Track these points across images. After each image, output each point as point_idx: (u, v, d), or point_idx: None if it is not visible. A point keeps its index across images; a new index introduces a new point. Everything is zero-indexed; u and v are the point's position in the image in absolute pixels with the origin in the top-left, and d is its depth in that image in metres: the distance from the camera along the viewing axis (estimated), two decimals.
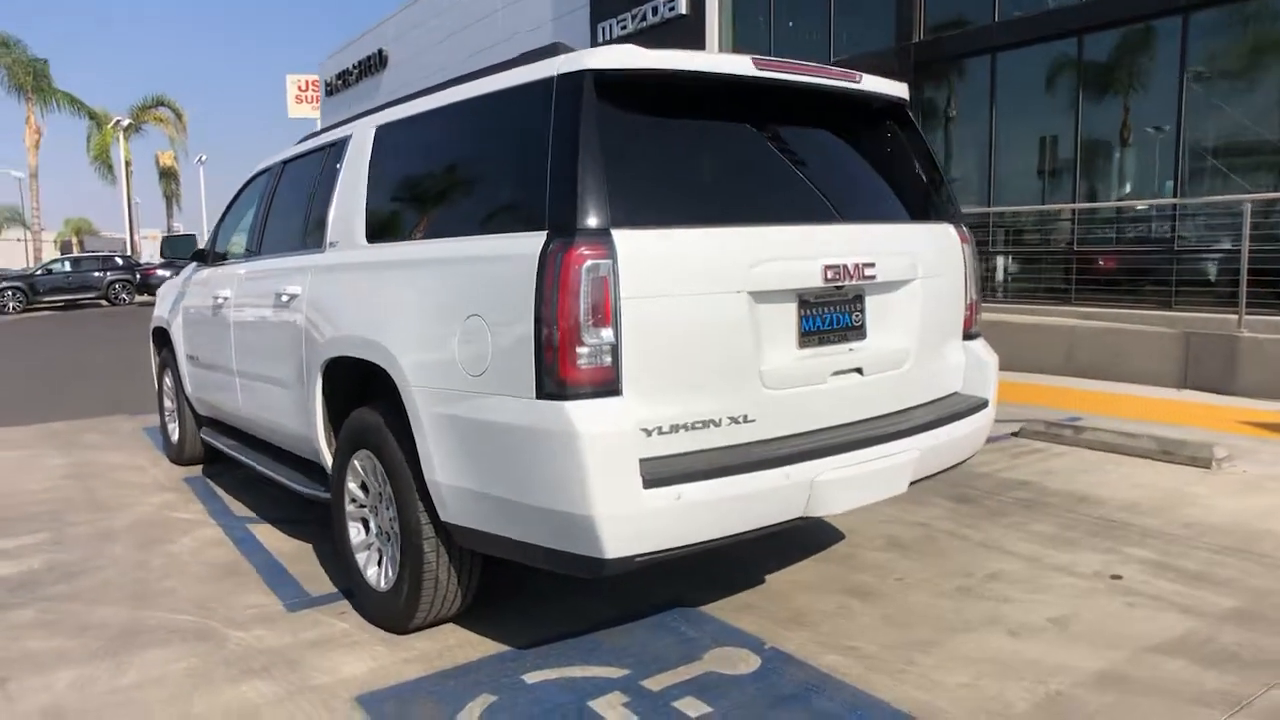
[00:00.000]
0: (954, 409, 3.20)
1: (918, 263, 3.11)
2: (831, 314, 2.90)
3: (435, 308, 2.71)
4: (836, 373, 2.87)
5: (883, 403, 3.05)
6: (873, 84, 3.17)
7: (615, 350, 2.36)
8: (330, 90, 35.45)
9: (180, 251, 5.47)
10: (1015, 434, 6.12)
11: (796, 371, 2.77)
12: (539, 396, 2.33)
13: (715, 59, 2.74)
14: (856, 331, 2.98)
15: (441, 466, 2.68)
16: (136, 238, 39.40)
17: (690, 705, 2.60)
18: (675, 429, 2.50)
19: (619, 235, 2.38)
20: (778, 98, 2.93)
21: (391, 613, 3.08)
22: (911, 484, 3.01)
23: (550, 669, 2.86)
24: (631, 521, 2.35)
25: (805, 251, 2.76)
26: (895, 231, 3.16)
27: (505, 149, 2.75)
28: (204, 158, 47.43)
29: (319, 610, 3.39)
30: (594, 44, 18.23)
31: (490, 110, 2.78)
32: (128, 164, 39.00)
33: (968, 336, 3.43)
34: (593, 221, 2.35)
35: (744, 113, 2.86)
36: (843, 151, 3.25)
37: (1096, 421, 6.21)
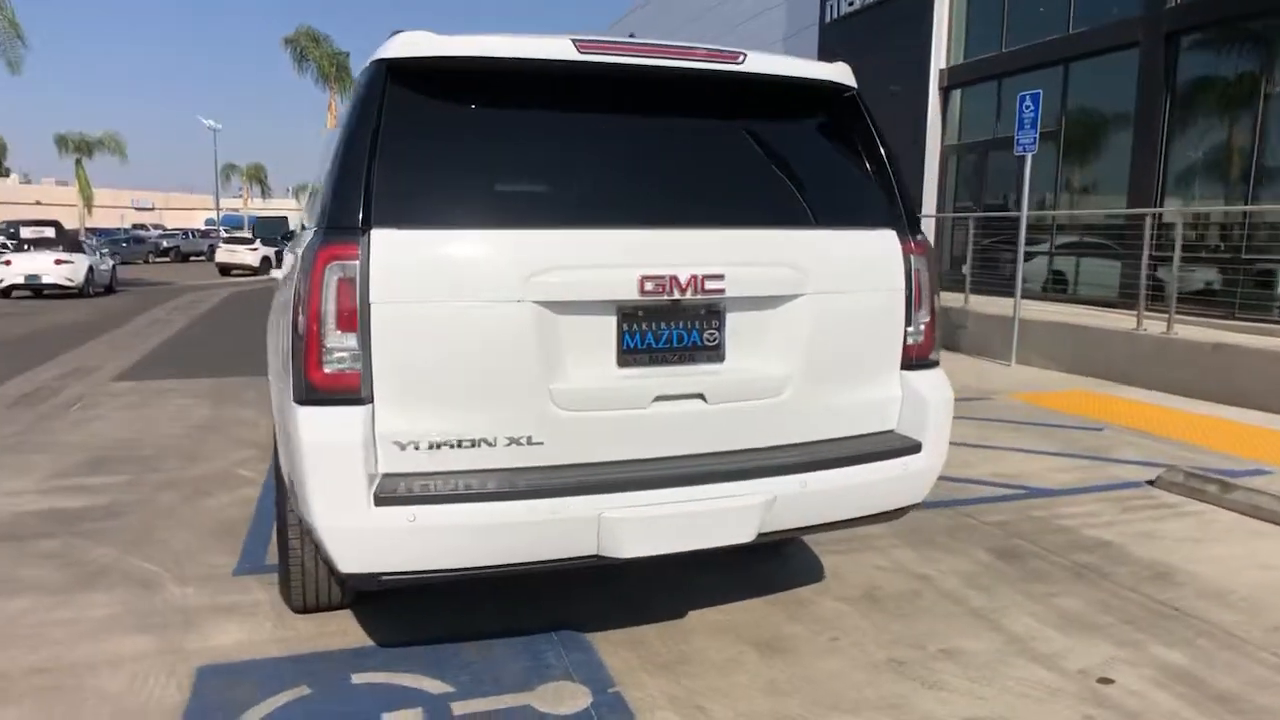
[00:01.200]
0: (856, 451, 2.70)
1: (806, 276, 2.65)
2: (670, 330, 2.54)
3: (278, 304, 2.74)
4: (663, 398, 2.51)
5: (737, 436, 2.63)
6: (774, 65, 2.70)
7: (362, 357, 2.25)
8: None
9: (272, 232, 5.95)
10: (1150, 482, 5.11)
11: (607, 393, 2.47)
12: (294, 399, 2.28)
13: (529, 42, 2.47)
14: (709, 352, 2.59)
15: (281, 461, 2.71)
16: None
17: None
18: (437, 445, 2.33)
19: (378, 236, 2.26)
20: (629, 85, 2.59)
21: (282, 592, 3.19)
22: (771, 534, 2.60)
23: (385, 672, 2.82)
24: (360, 538, 2.24)
25: (616, 259, 2.44)
26: (769, 239, 2.66)
27: (330, 143, 2.71)
28: None
29: (257, 578, 3.59)
30: (822, 23, 17.53)
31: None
32: None
33: (911, 365, 2.88)
34: (350, 220, 2.24)
35: (575, 102, 2.57)
36: (726, 146, 2.79)
37: (1263, 481, 5.02)
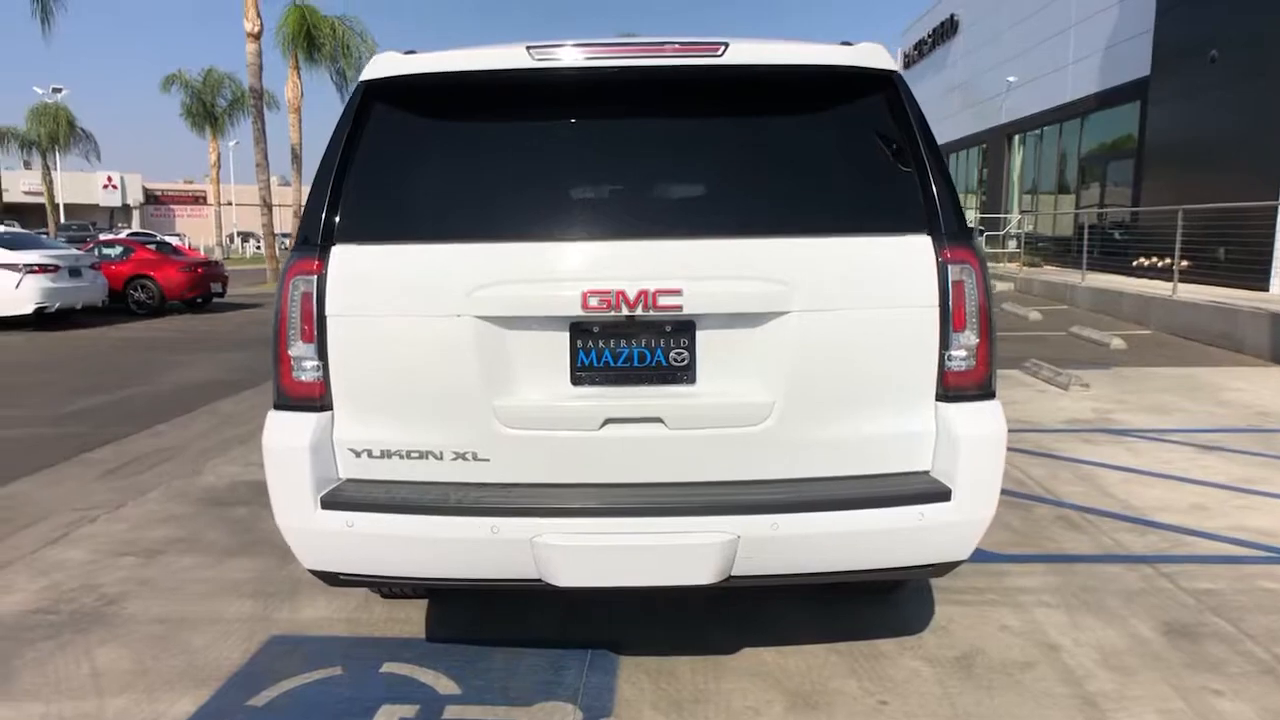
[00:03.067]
0: (853, 494, 2.29)
1: (792, 290, 2.29)
2: (630, 349, 2.32)
3: None
4: (615, 420, 2.31)
5: (705, 467, 2.34)
6: (761, 54, 2.37)
7: (322, 367, 2.33)
8: (907, 62, 35.28)
9: None
10: None
11: (555, 413, 2.32)
12: (272, 405, 2.43)
13: (484, 53, 2.37)
14: (678, 373, 2.33)
15: None
16: None
17: None
18: (388, 454, 2.35)
19: (337, 251, 2.32)
20: (590, 89, 2.40)
21: None
22: (747, 580, 2.29)
23: (413, 665, 2.93)
24: (308, 538, 2.33)
25: (560, 273, 2.28)
26: (742, 249, 2.32)
27: None
28: None
29: None
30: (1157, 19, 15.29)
31: None
32: None
33: (950, 396, 2.38)
34: (314, 237, 2.33)
35: (533, 110, 2.43)
36: (703, 149, 2.48)
37: None
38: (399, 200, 2.41)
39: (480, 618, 3.29)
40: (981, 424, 2.35)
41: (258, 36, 20.60)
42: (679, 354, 2.32)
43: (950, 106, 30.17)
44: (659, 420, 2.31)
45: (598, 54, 2.35)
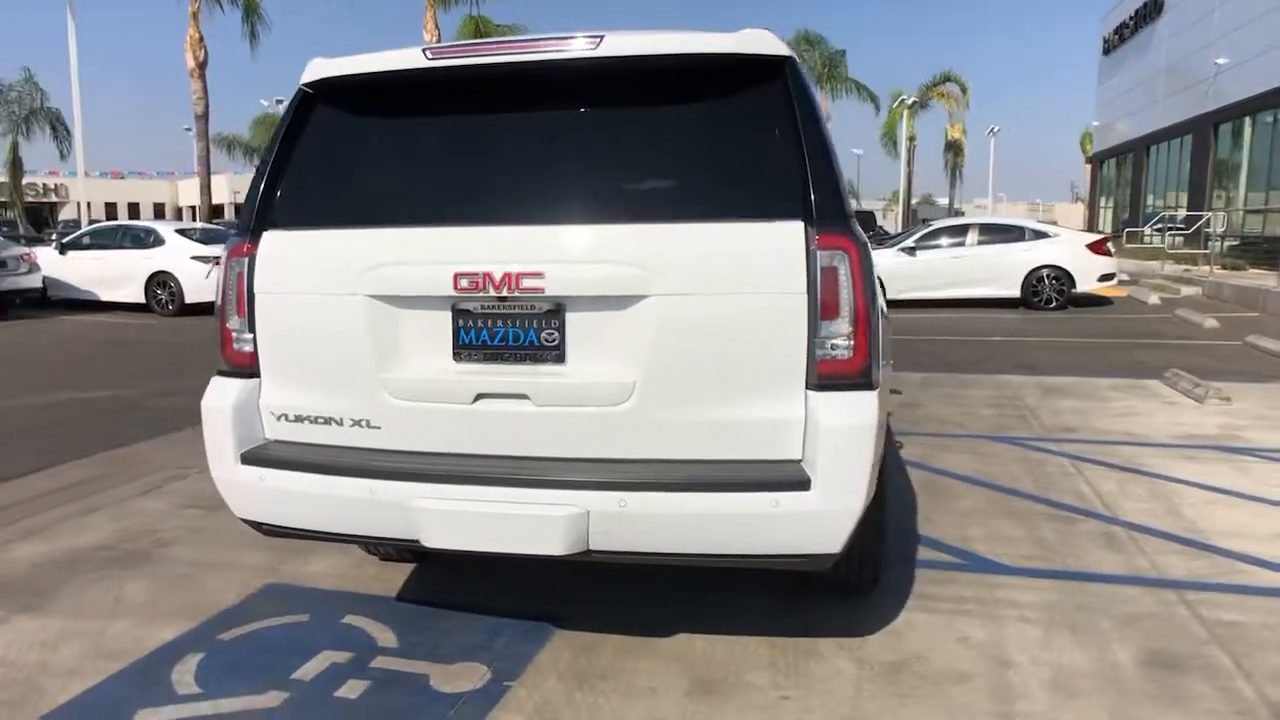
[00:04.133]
0: (703, 477, 2.28)
1: (651, 275, 2.30)
2: (506, 329, 2.42)
3: None
4: (485, 395, 2.43)
5: (566, 443, 2.41)
6: (636, 45, 2.40)
7: (252, 338, 2.60)
8: (1107, 48, 32.58)
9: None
10: None
11: (435, 386, 2.47)
12: (216, 370, 2.74)
13: (388, 56, 2.53)
14: (549, 352, 2.41)
15: None
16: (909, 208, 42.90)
17: (351, 688, 2.70)
18: (300, 419, 2.59)
19: (266, 236, 2.58)
20: (482, 85, 2.53)
21: None
22: (606, 555, 2.33)
23: (369, 619, 3.17)
24: (232, 489, 2.61)
25: (435, 256, 2.41)
26: (603, 234, 2.37)
27: None
28: (996, 129, 48.61)
29: None
30: None
31: None
32: (911, 139, 42.65)
33: (822, 385, 2.31)
34: (247, 224, 2.61)
35: (431, 106, 2.57)
36: (579, 138, 2.54)
37: None
38: (316, 189, 2.66)
39: (451, 586, 3.49)
40: (848, 414, 2.28)
41: None
42: (550, 335, 2.41)
43: (1153, 94, 27.60)
44: (525, 396, 2.42)
45: (483, 52, 2.49)
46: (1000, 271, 14.77)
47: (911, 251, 15.21)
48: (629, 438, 2.40)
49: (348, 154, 2.69)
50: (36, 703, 2.64)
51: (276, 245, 2.61)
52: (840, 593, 3.32)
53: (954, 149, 48.83)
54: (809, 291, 2.28)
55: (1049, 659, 2.89)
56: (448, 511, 2.38)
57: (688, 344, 2.34)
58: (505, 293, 2.38)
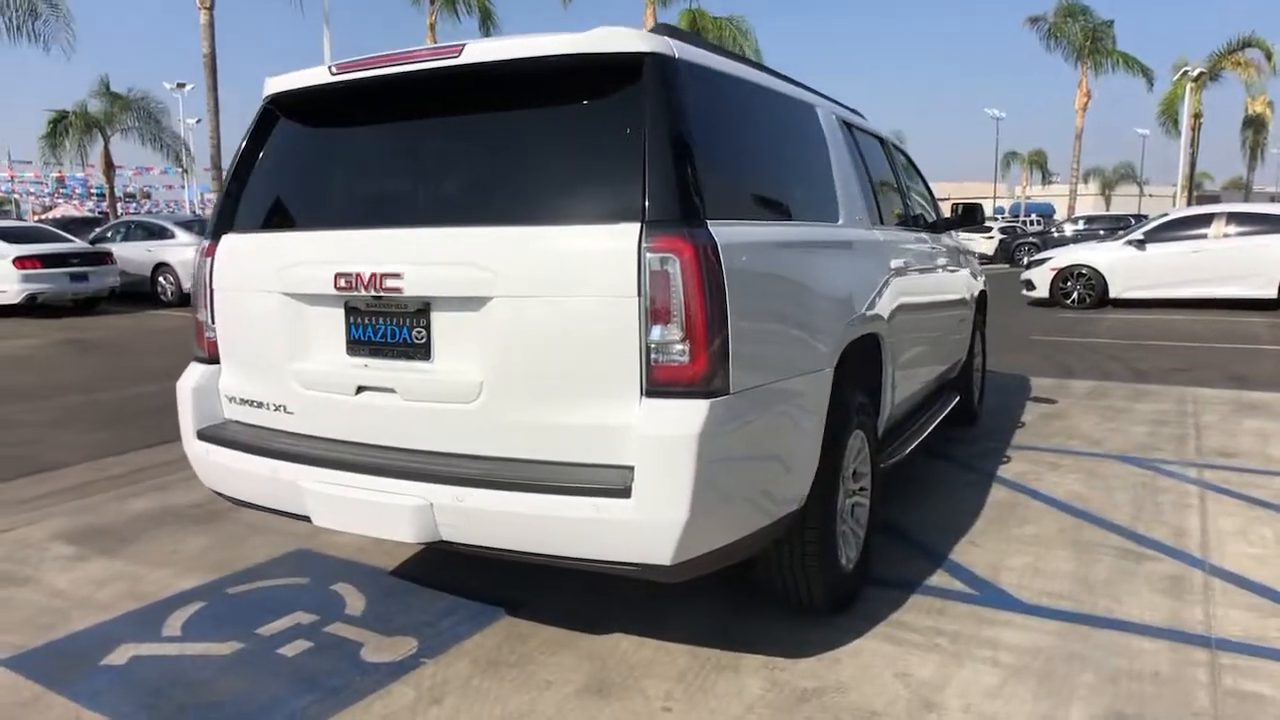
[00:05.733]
0: (532, 478, 2.28)
1: (495, 277, 2.33)
2: (385, 326, 2.54)
3: None
4: (365, 388, 2.57)
5: (426, 437, 2.49)
6: (493, 51, 2.42)
7: (214, 329, 2.94)
8: None
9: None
10: None
11: (328, 378, 2.65)
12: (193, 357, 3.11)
13: (306, 73, 2.70)
14: (419, 350, 2.50)
15: None
16: (1179, 193, 37.88)
17: (294, 647, 2.99)
18: (243, 402, 2.88)
19: (224, 239, 2.89)
20: (375, 96, 2.66)
21: None
22: (456, 546, 2.41)
23: (354, 588, 3.47)
24: (192, 461, 2.96)
25: (324, 257, 2.57)
26: (454, 237, 2.41)
27: None
28: None
29: None
30: None
31: None
32: (1196, 116, 37.65)
33: (657, 391, 2.22)
34: (217, 226, 2.94)
35: (338, 117, 2.73)
36: (449, 144, 2.59)
37: None
38: (257, 196, 2.95)
39: (443, 566, 3.70)
40: (671, 423, 2.19)
41: None
42: (419, 333, 2.52)
43: None
44: (393, 390, 2.56)
45: (367, 66, 2.62)
46: (1252, 268, 12.75)
47: (1141, 245, 13.51)
48: (477, 435, 2.46)
49: (279, 163, 2.95)
50: (59, 629, 3.17)
51: (229, 247, 2.94)
52: (794, 610, 3.16)
53: (1254, 125, 42.31)
54: (639, 295, 2.22)
55: (985, 709, 2.59)
56: (326, 494, 2.58)
57: (530, 345, 2.36)
58: (375, 292, 2.54)
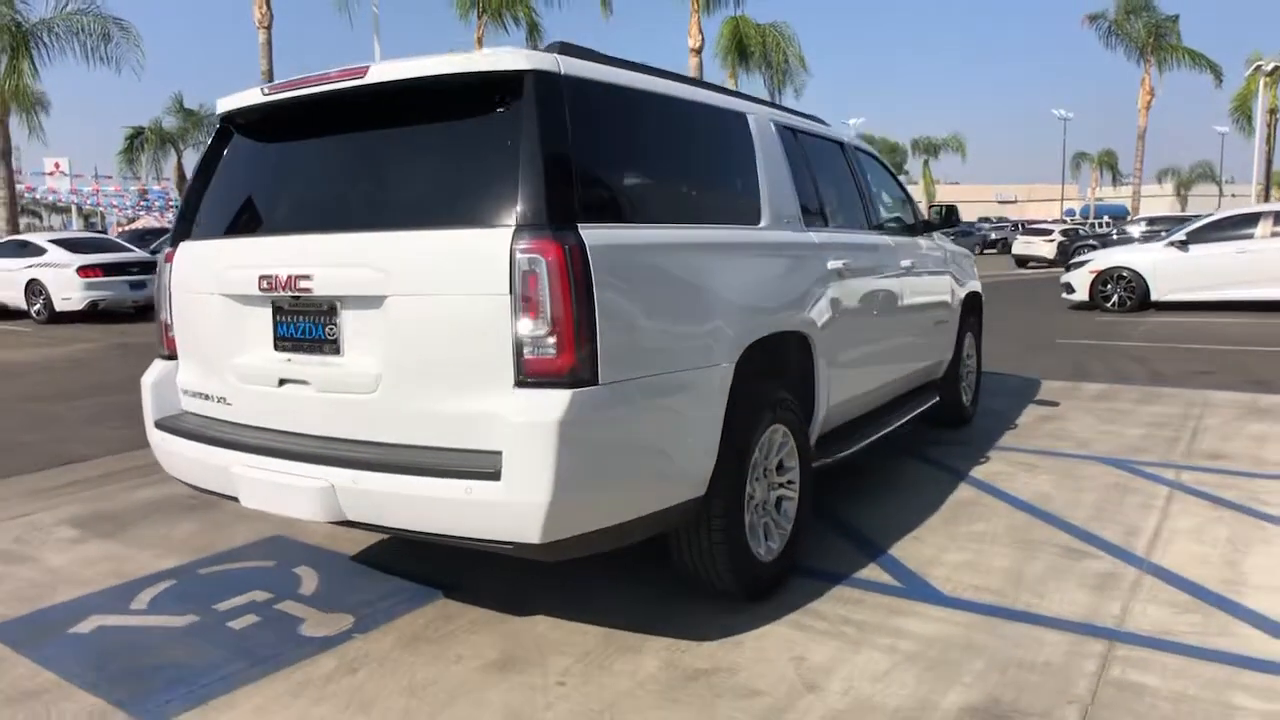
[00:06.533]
0: (416, 462, 2.49)
1: (389, 277, 2.55)
2: (304, 324, 2.79)
3: None
4: (285, 381, 2.82)
5: (335, 424, 2.72)
6: (393, 71, 2.64)
7: (173, 328, 3.23)
8: None
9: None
10: None
11: (258, 372, 2.90)
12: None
13: (244, 94, 2.97)
14: (331, 345, 2.73)
15: None
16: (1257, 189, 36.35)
17: (242, 622, 3.24)
18: (195, 394, 3.16)
19: (182, 245, 3.19)
20: (297, 114, 2.91)
21: None
22: (360, 525, 2.67)
23: (313, 570, 3.73)
24: (154, 449, 3.26)
25: (251, 261, 2.83)
26: (355, 241, 2.65)
27: None
28: None
29: None
30: None
31: None
32: (1272, 112, 36.20)
33: (527, 382, 2.40)
34: (177, 233, 3.25)
35: (270, 133, 2.99)
36: (357, 156, 2.84)
37: None
38: (210, 205, 3.25)
39: (401, 553, 3.94)
40: (537, 411, 2.37)
41: (699, 51, 22.82)
42: (331, 329, 2.75)
43: None
44: (307, 383, 2.80)
45: (291, 87, 2.88)
46: None
47: (1184, 246, 13.14)
48: (377, 423, 2.68)
49: (226, 176, 3.24)
50: (43, 601, 3.49)
51: (183, 253, 3.23)
52: (710, 595, 3.29)
53: None
54: (511, 293, 2.41)
55: (864, 691, 2.69)
56: (250, 478, 2.83)
57: (420, 340, 2.58)
58: (292, 293, 2.78)
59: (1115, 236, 26.00)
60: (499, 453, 2.42)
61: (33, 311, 15.10)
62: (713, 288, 2.95)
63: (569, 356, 2.39)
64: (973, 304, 6.27)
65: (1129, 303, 13.39)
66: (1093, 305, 13.90)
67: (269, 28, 19.66)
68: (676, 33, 23.55)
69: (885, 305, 4.58)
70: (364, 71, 2.71)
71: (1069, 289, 14.16)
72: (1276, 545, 3.83)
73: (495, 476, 2.39)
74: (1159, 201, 67.70)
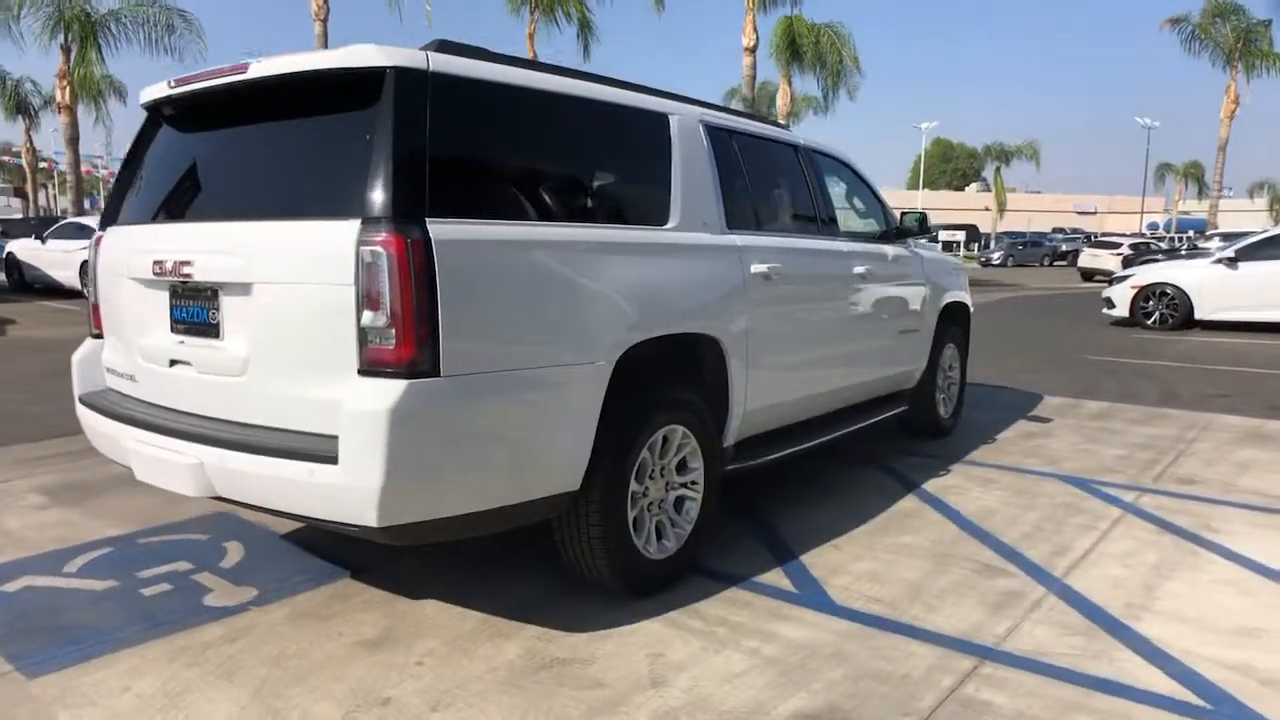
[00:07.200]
0: (268, 443, 2.64)
1: (253, 265, 2.69)
2: (193, 308, 2.93)
3: None
4: (175, 361, 2.99)
5: (212, 404, 2.87)
6: (272, 67, 2.75)
7: (99, 309, 3.43)
8: None
9: None
10: None
11: (154, 352, 3.07)
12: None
13: (156, 86, 3.15)
14: (213, 329, 2.87)
15: None
16: None
17: (156, 589, 3.43)
18: (113, 372, 3.36)
19: (110, 230, 3.39)
20: (200, 106, 3.08)
21: None
22: (229, 501, 2.81)
23: (279, 541, 3.91)
24: (81, 423, 3.45)
25: (149, 246, 3.01)
26: (228, 230, 2.80)
27: None
28: None
29: None
30: None
31: None
32: None
33: (368, 372, 2.50)
34: (105, 219, 3.45)
35: (181, 124, 3.16)
36: (245, 148, 2.97)
37: None
38: (131, 193, 3.43)
39: (326, 534, 4.07)
40: (371, 399, 2.46)
41: (753, 50, 22.70)
42: (213, 314, 2.90)
43: None
44: (190, 364, 2.97)
45: (189, 82, 3.04)
46: None
47: (1233, 263, 12.59)
48: (245, 404, 2.82)
49: (145, 164, 3.41)
50: None
51: (109, 237, 3.42)
52: (613, 592, 3.36)
53: None
54: (356, 284, 2.51)
55: (706, 690, 2.73)
56: (139, 452, 3.00)
57: (280, 326, 2.71)
58: (179, 278, 2.95)
59: (1184, 252, 24.99)
60: (337, 437, 2.53)
61: (86, 291, 15.91)
62: (587, 286, 3.00)
63: (408, 348, 2.49)
64: (955, 315, 6.17)
65: (1171, 321, 12.91)
66: (1133, 322, 13.44)
67: (325, 20, 20.24)
68: (727, 32, 23.52)
69: (830, 311, 4.56)
70: (246, 68, 2.85)
71: (1109, 304, 13.72)
72: (1202, 573, 3.71)
73: (334, 460, 2.50)
74: (1250, 217, 64.52)
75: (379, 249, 2.47)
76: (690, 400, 3.48)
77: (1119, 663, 2.93)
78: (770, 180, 4.34)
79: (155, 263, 3.00)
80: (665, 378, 3.46)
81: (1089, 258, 31.13)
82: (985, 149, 57.08)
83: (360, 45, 2.66)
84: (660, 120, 3.61)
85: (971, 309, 6.55)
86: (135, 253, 3.16)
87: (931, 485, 5.01)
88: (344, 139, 2.71)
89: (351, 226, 2.53)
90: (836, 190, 5.06)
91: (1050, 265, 43.35)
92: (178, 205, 3.23)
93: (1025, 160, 56.39)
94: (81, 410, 3.44)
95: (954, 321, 6.19)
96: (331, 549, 3.86)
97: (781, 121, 25.02)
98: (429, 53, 2.74)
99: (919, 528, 4.28)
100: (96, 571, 3.64)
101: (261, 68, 2.81)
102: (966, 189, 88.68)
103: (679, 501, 3.54)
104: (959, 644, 3.06)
